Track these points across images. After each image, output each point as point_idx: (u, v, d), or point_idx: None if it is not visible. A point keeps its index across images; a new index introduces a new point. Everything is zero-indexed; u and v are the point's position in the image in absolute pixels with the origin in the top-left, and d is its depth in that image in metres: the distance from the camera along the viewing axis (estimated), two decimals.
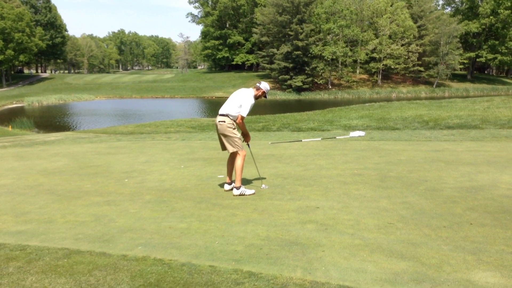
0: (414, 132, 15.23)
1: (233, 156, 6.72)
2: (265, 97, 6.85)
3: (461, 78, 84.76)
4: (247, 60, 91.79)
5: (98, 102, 65.89)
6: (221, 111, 6.61)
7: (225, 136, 6.54)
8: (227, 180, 6.89)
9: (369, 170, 8.09)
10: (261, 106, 40.36)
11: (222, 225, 5.07)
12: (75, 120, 41.58)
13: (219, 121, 6.57)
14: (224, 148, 6.75)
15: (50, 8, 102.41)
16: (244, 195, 6.45)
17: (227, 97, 6.86)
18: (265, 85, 6.78)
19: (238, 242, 4.51)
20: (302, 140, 13.19)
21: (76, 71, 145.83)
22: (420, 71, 77.05)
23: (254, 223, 5.15)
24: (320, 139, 13.25)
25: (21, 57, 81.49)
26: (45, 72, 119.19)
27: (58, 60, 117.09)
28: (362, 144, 11.98)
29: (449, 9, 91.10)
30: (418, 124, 17.85)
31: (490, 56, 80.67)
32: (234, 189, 6.54)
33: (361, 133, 14.05)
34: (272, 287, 3.45)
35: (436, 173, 7.64)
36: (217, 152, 10.50)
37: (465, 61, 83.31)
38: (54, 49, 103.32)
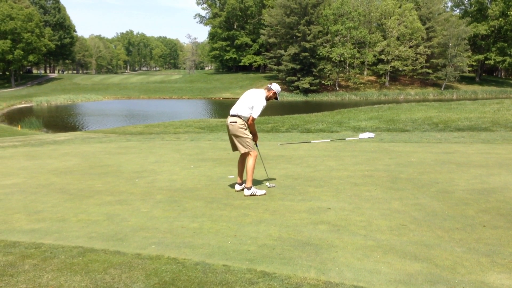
0: (424, 134, 15.18)
1: (244, 156, 6.73)
2: (276, 98, 6.86)
3: (469, 81, 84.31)
4: (255, 62, 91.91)
5: (106, 102, 66.22)
6: (232, 112, 6.62)
7: (237, 136, 6.55)
8: (238, 180, 6.90)
9: (380, 171, 8.07)
10: (269, 107, 40.26)
11: (234, 225, 5.08)
12: (84, 120, 41.83)
13: (230, 122, 6.58)
14: (235, 148, 6.76)
15: (59, 9, 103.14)
16: (255, 195, 6.46)
17: (235, 98, 6.92)
18: (276, 87, 6.79)
19: (251, 242, 4.51)
20: (312, 141, 13.18)
21: (84, 71, 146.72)
22: (428, 73, 76.77)
23: (266, 223, 5.15)
24: (329, 140, 13.23)
25: (30, 57, 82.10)
26: (53, 72, 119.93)
27: (67, 61, 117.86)
28: (372, 145, 11.96)
29: (458, 11, 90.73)
30: (428, 126, 17.78)
31: (499, 58, 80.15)
32: (245, 190, 6.55)
33: (371, 135, 14.01)
34: (286, 287, 3.46)
35: (447, 175, 7.61)
36: (226, 153, 10.52)
37: (473, 64, 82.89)
38: (63, 50, 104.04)
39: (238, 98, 6.84)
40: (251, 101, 6.54)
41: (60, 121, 41.14)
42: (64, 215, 5.68)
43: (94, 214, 5.72)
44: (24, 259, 4.10)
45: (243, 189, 6.68)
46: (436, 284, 3.52)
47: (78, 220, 5.44)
